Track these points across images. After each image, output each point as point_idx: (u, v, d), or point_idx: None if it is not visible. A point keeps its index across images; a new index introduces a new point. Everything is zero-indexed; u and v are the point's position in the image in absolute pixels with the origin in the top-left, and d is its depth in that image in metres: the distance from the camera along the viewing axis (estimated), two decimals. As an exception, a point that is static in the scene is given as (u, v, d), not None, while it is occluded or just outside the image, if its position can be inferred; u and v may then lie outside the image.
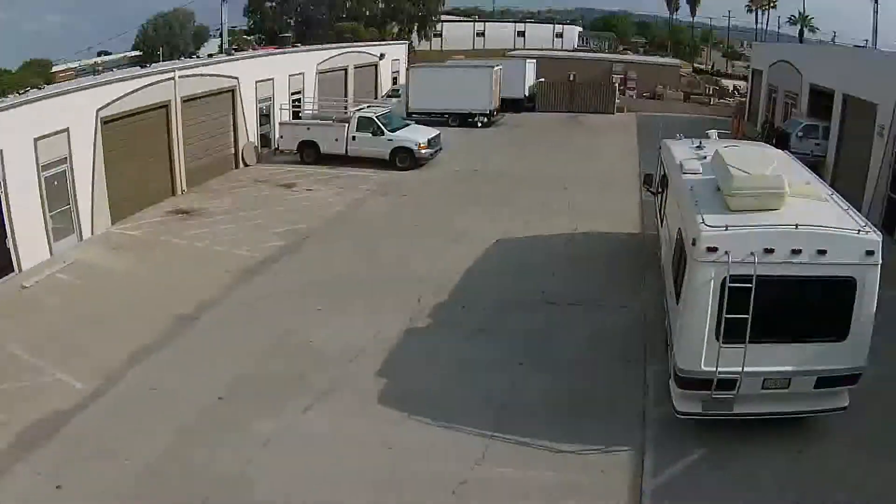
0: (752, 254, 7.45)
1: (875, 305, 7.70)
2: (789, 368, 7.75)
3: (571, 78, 38.07)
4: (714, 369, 7.61)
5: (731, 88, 45.35)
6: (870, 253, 7.54)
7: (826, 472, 7.68)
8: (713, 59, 69.75)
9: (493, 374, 9.57)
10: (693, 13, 79.93)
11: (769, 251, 7.48)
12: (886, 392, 8.86)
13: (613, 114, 35.02)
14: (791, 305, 7.77)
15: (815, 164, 17.54)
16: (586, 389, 9.28)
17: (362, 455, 7.92)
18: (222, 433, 8.33)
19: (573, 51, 58.97)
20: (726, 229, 7.61)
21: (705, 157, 10.43)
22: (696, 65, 64.03)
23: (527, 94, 35.77)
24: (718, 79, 51.02)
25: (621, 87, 40.21)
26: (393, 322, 11.08)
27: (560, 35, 69.81)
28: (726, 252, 7.46)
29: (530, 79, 36.45)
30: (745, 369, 7.58)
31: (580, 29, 75.97)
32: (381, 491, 7.36)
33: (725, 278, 7.46)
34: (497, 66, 32.58)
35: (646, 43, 75.15)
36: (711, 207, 8.22)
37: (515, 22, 73.25)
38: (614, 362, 9.99)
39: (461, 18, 72.01)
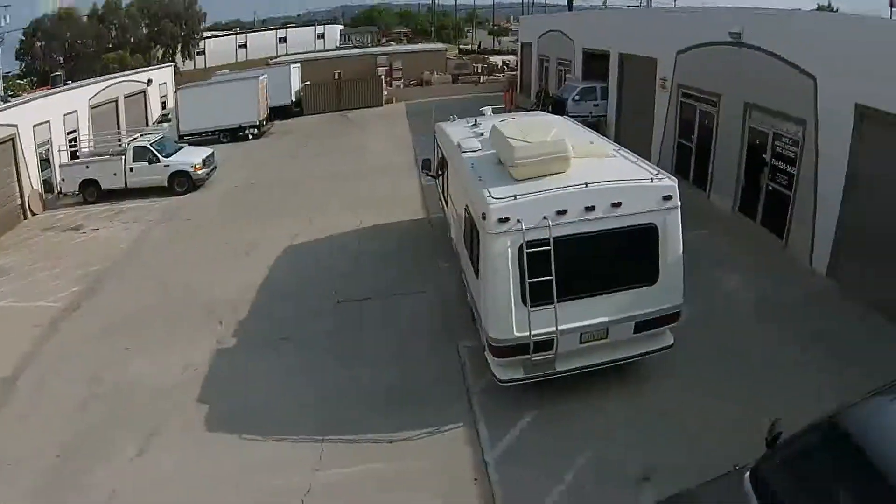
0: (545, 218, 7.51)
1: (681, 246, 8.05)
2: (605, 319, 7.90)
3: (337, 76, 38.11)
4: (528, 334, 7.61)
5: (500, 64, 46.81)
6: (667, 198, 7.85)
7: (659, 411, 7.96)
8: (479, 39, 72.51)
9: (310, 379, 9.34)
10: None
11: (562, 213, 7.58)
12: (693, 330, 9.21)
13: (382, 106, 35.39)
14: (596, 259, 7.92)
15: (595, 125, 18.71)
16: (404, 377, 9.22)
17: (208, 485, 7.57)
18: (65, 492, 7.76)
19: (335, 49, 58.83)
20: (515, 199, 7.62)
21: (482, 134, 10.49)
22: (461, 46, 65.90)
23: (294, 99, 35.29)
24: (486, 57, 52.54)
25: (388, 79, 40.79)
26: (200, 347, 10.65)
27: (322, 36, 69.37)
28: (518, 220, 7.48)
29: (296, 83, 36.01)
30: (560, 328, 7.64)
31: (341, 27, 75.96)
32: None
33: (522, 245, 7.48)
34: (262, 75, 31.75)
35: (409, 31, 76.77)
36: (497, 181, 8.18)
37: (276, 28, 71.93)
38: (424, 346, 10.00)
39: (223, 33, 69.48)
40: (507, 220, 7.50)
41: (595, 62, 24.18)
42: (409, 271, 12.76)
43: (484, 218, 7.68)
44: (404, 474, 7.28)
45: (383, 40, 67.56)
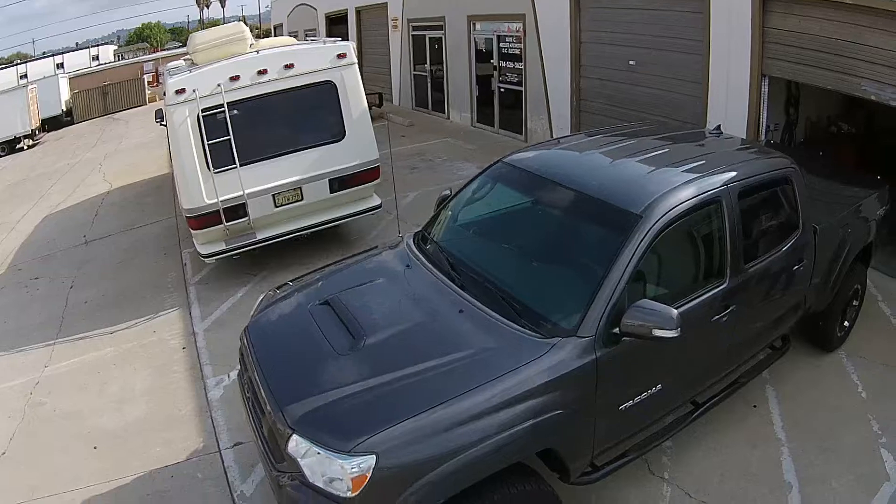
0: (219, 85, 7.79)
1: (365, 103, 8.62)
2: (295, 178, 8.21)
3: (104, 83, 37.15)
4: (216, 200, 7.84)
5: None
6: (341, 56, 8.32)
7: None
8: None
9: (49, 305, 9.13)
10: (223, 6, 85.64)
11: (235, 78, 7.85)
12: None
13: (146, 104, 36.64)
14: (277, 120, 8.21)
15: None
16: (133, 282, 9.35)
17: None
18: None
19: (102, 63, 57.59)
20: (190, 72, 7.90)
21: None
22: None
23: (64, 108, 34.20)
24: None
25: (153, 82, 41.07)
26: None
27: (96, 57, 66.89)
28: (194, 90, 7.72)
29: (65, 94, 34.89)
30: (248, 190, 7.92)
31: (115, 47, 74.39)
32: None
33: (199, 114, 7.74)
34: (30, 85, 30.90)
35: (179, 45, 77.09)
36: (182, 71, 8.23)
37: (54, 55, 68.93)
38: (153, 259, 10.22)
39: (5, 65, 65.66)
40: (183, 90, 7.74)
41: (337, 26, 24.96)
42: (149, 209, 13.09)
43: (165, 94, 7.93)
44: (123, 354, 7.39)
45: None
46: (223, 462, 5.19)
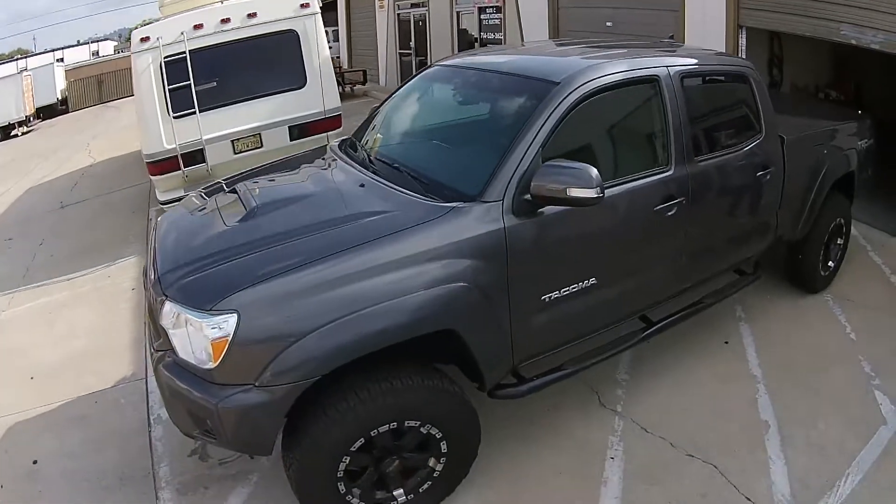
0: (182, 33, 7.78)
1: (328, 52, 8.62)
2: (254, 125, 8.19)
3: (100, 73, 37.05)
4: (175, 145, 7.83)
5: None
6: (304, 6, 8.29)
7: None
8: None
9: (16, 259, 9.11)
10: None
11: (198, 27, 7.85)
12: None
13: None
14: (239, 67, 8.18)
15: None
16: (100, 237, 9.33)
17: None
18: None
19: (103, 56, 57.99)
20: (157, 21, 8.01)
21: None
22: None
23: (59, 97, 33.91)
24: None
25: None
26: None
27: (96, 53, 67.69)
28: (158, 38, 7.72)
29: (61, 83, 34.56)
30: (207, 136, 7.90)
31: (115, 44, 75.14)
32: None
33: (161, 61, 7.72)
34: (25, 72, 30.87)
35: None
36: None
37: (54, 51, 69.52)
38: (122, 216, 10.24)
39: (6, 61, 66.27)
40: (147, 38, 7.77)
41: (329, 12, 24.87)
42: (127, 177, 13.05)
43: (130, 45, 8.00)
44: (77, 296, 7.32)
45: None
46: (147, 389, 5.05)
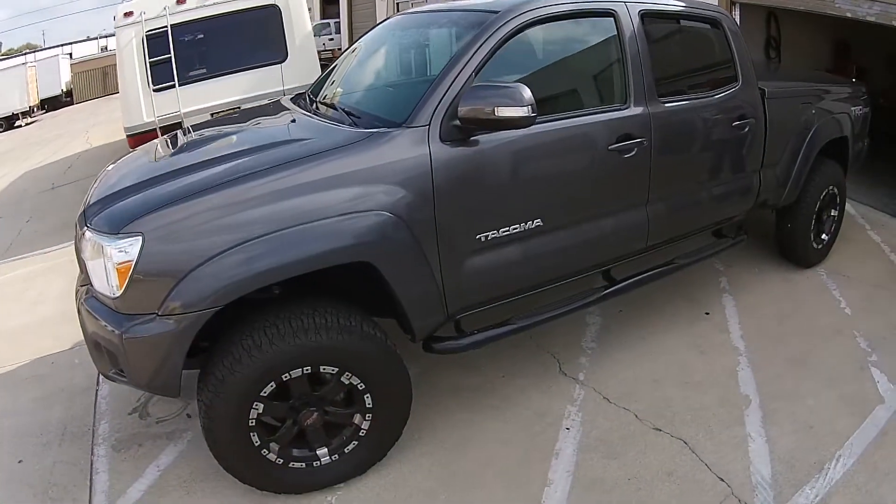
0: (165, 8, 7.85)
1: (310, 26, 8.61)
2: (235, 98, 8.16)
3: (105, 66, 37.20)
4: (154, 119, 7.85)
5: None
6: None
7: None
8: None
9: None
10: None
11: (181, 1, 7.95)
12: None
13: None
14: (221, 41, 8.23)
15: (332, 56, 19.34)
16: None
17: None
18: None
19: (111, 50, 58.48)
20: None
21: None
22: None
23: (64, 89, 34.23)
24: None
25: None
26: None
27: (106, 48, 68.19)
28: (142, 13, 7.79)
29: (66, 74, 34.85)
30: (187, 109, 7.89)
31: None
32: None
33: (143, 35, 7.83)
34: (30, 63, 31.19)
35: None
36: None
37: (62, 45, 69.93)
38: None
39: (15, 54, 67.12)
40: (130, 13, 7.88)
41: (332, 6, 25.52)
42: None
43: (115, 19, 8.03)
44: (53, 267, 7.29)
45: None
46: (102, 350, 5.02)
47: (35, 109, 30.02)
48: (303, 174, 2.95)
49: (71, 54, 53.00)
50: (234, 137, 3.88)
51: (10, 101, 28.46)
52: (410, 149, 3.10)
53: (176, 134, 4.37)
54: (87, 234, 3.00)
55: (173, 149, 3.92)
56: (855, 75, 9.57)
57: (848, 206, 6.34)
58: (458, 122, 3.14)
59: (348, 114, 3.56)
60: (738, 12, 8.38)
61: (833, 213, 5.65)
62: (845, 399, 3.85)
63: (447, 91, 3.19)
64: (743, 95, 4.49)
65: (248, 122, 4.37)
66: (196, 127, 4.56)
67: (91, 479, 3.57)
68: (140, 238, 2.76)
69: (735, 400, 3.87)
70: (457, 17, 3.94)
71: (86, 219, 3.08)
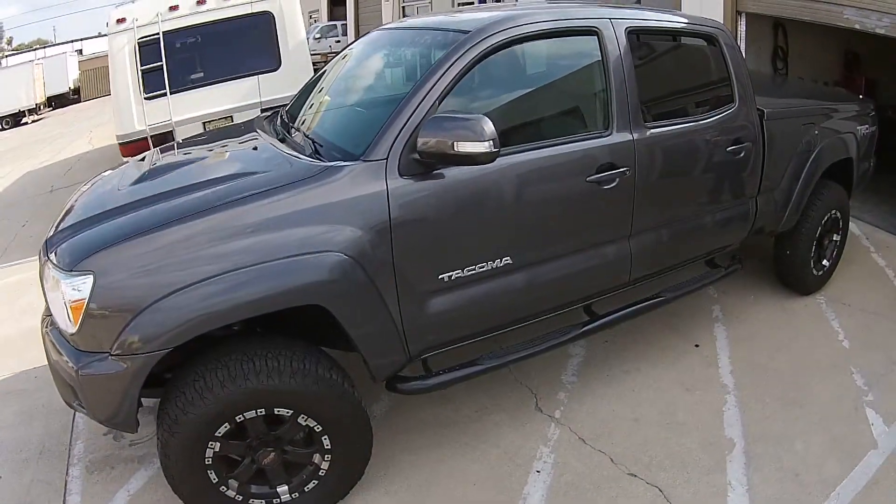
0: (157, 15, 7.73)
1: (303, 33, 8.48)
2: (227, 107, 8.05)
3: None
4: (145, 127, 7.74)
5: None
6: None
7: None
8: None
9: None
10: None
11: (174, 8, 7.83)
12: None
13: None
14: (214, 48, 8.12)
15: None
16: None
17: None
18: None
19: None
20: (133, 2, 7.92)
21: None
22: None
23: (71, 87, 34.30)
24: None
25: None
26: None
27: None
28: (135, 20, 7.70)
29: (74, 72, 34.87)
30: (179, 118, 7.77)
31: None
32: None
33: (136, 42, 7.71)
34: (36, 60, 31.23)
35: None
36: None
37: (73, 41, 70.66)
38: None
39: (26, 50, 67.75)
40: (123, 20, 7.76)
41: (338, 8, 25.40)
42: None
43: (108, 25, 7.93)
44: None
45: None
46: (87, 365, 4.94)
47: (42, 107, 30.17)
48: (256, 213, 2.81)
49: (80, 50, 53.24)
50: (193, 167, 3.82)
51: (16, 99, 28.57)
52: (366, 185, 2.93)
53: (145, 156, 4.28)
54: (49, 265, 2.93)
55: (138, 174, 3.81)
56: (864, 88, 9.36)
57: (852, 226, 6.10)
58: (417, 156, 2.97)
59: (313, 141, 3.42)
60: (743, 22, 8.18)
61: (835, 237, 5.36)
62: (837, 442, 3.63)
63: (407, 122, 3.00)
64: (739, 117, 4.25)
65: (213, 148, 4.27)
66: (164, 149, 4.50)
67: (64, 500, 3.57)
68: (91, 276, 2.69)
69: (718, 443, 3.66)
70: (430, 37, 3.73)
71: (47, 249, 3.00)
